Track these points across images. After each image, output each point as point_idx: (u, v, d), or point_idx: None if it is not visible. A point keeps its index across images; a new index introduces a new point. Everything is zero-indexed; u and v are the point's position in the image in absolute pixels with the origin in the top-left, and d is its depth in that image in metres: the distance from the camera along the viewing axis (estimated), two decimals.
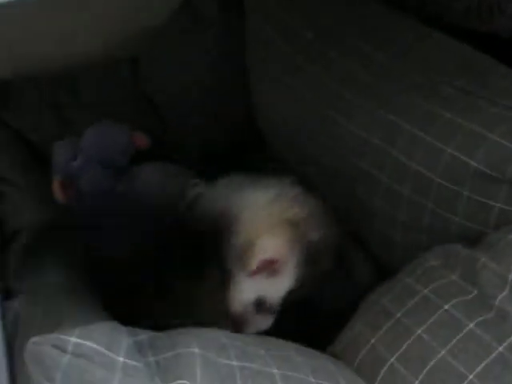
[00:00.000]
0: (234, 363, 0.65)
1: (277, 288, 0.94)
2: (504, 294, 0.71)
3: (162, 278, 0.98)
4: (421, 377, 0.69)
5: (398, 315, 0.76)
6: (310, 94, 1.08)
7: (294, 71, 1.13)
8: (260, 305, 0.94)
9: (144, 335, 0.67)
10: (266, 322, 0.94)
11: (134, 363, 0.60)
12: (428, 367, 0.69)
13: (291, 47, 1.15)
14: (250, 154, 1.37)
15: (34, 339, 0.60)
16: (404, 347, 0.72)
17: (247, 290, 0.94)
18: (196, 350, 0.64)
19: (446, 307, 0.72)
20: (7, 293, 0.97)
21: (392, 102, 0.95)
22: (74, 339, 0.59)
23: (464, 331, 0.70)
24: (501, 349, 0.67)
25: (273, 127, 1.25)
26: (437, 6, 1.25)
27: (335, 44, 1.08)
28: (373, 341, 0.75)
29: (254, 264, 0.92)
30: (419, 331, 0.72)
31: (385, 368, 0.72)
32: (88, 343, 0.59)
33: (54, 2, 1.31)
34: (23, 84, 1.38)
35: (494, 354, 0.67)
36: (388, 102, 0.96)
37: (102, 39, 1.44)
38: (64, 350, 0.58)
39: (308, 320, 0.86)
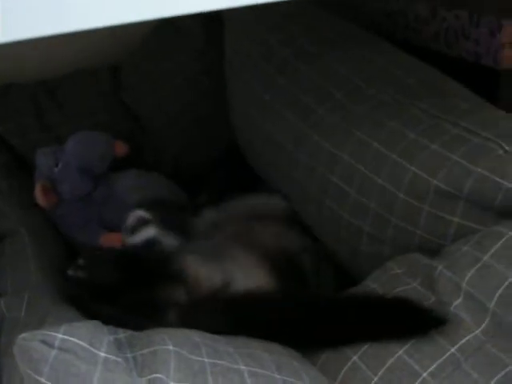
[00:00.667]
0: (206, 360, 0.69)
1: None
2: (458, 301, 0.75)
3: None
4: (380, 373, 0.73)
5: None
6: (285, 110, 1.13)
7: (270, 87, 1.17)
8: None
9: (122, 334, 0.71)
10: None
11: (114, 358, 0.64)
12: (387, 365, 0.73)
13: (269, 64, 1.19)
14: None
15: (22, 335, 0.63)
16: (366, 346, 0.76)
17: None
18: (170, 348, 0.68)
19: None
20: None
21: (361, 121, 1.00)
22: (60, 335, 0.63)
23: None
24: (453, 350, 0.72)
25: (248, 140, 1.29)
26: (407, 31, 1.32)
27: (312, 64, 1.13)
28: None
29: None
30: None
31: (347, 365, 0.76)
32: (73, 339, 0.63)
33: None
34: (6, 90, 1.41)
35: (446, 355, 0.71)
36: (358, 120, 1.00)
37: (83, 48, 1.48)
38: (51, 346, 0.62)
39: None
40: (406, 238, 0.91)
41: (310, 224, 1.12)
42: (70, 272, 0.98)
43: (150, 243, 1.14)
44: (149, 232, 1.14)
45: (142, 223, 1.15)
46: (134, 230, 1.15)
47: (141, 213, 1.16)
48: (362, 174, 0.97)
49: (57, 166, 1.22)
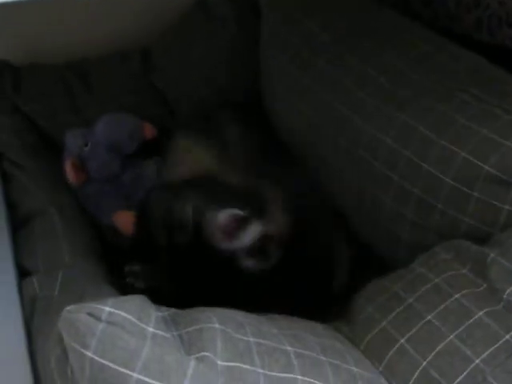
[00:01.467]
0: (251, 339, 0.67)
1: None
2: None
3: None
4: (429, 358, 0.70)
5: (410, 300, 0.78)
6: (326, 94, 1.11)
7: (310, 71, 1.15)
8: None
9: (166, 311, 0.69)
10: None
11: (163, 334, 0.62)
12: (436, 349, 0.71)
13: (308, 48, 1.17)
14: None
15: (68, 308, 0.61)
16: (414, 330, 0.74)
17: None
18: (216, 326, 0.66)
19: (457, 296, 0.75)
20: (23, 272, 0.99)
21: (407, 105, 0.98)
22: (108, 308, 0.61)
23: (473, 319, 0.72)
24: (507, 337, 0.70)
25: (285, 126, 1.27)
26: (448, 18, 1.29)
27: (353, 49, 1.11)
28: (384, 323, 0.77)
29: None
30: (430, 316, 0.74)
31: (394, 348, 0.73)
32: (121, 313, 0.61)
33: None
34: (36, 70, 1.40)
35: (500, 342, 0.69)
36: (403, 104, 0.98)
37: (114, 30, 1.47)
38: (99, 319, 0.60)
39: None
40: (453, 225, 0.90)
41: (348, 211, 1.10)
42: (130, 280, 0.94)
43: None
44: (255, 230, 0.97)
45: (241, 223, 0.97)
46: (233, 232, 0.96)
47: (235, 211, 0.96)
48: (406, 158, 0.95)
49: (86, 145, 1.23)
